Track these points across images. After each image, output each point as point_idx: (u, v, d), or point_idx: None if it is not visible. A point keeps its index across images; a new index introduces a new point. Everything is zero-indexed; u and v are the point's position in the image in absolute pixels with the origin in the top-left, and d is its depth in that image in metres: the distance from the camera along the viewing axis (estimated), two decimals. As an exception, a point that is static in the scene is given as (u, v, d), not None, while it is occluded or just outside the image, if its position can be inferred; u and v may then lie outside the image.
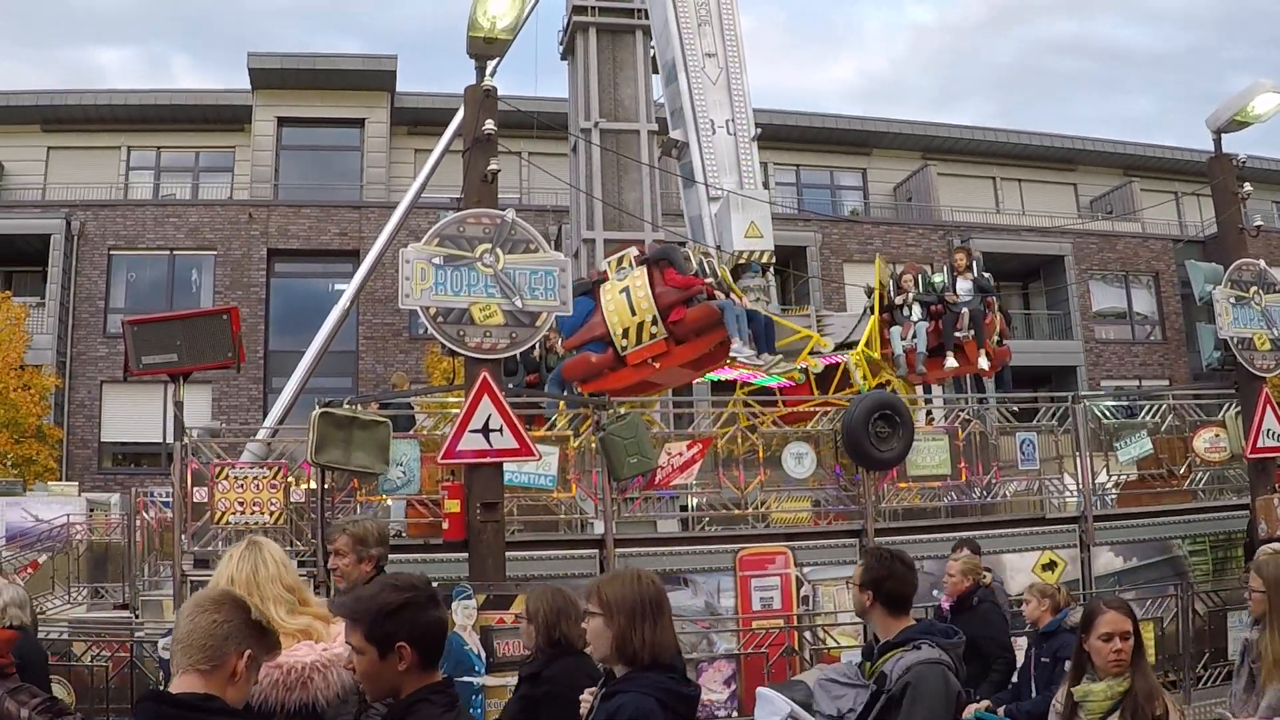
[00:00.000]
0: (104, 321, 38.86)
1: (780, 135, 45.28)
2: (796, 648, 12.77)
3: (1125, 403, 18.61)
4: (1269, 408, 14.44)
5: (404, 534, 13.78)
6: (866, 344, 17.85)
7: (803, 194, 49.22)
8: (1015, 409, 16.60)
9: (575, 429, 14.16)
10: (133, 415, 37.69)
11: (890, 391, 16.45)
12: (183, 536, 12.27)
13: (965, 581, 10.49)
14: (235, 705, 3.86)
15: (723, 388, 18.13)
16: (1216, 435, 15.94)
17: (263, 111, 43.60)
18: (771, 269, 18.92)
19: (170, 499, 16.21)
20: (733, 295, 16.66)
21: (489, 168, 11.39)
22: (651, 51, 22.65)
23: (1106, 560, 14.95)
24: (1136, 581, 14.71)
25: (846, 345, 18.36)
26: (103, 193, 42.07)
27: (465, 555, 11.17)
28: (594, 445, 13.42)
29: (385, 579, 4.31)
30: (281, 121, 44.18)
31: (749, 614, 13.07)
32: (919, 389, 18.74)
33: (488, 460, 11.03)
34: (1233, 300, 14.56)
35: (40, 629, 9.51)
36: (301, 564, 12.67)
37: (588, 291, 16.67)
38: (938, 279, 18.13)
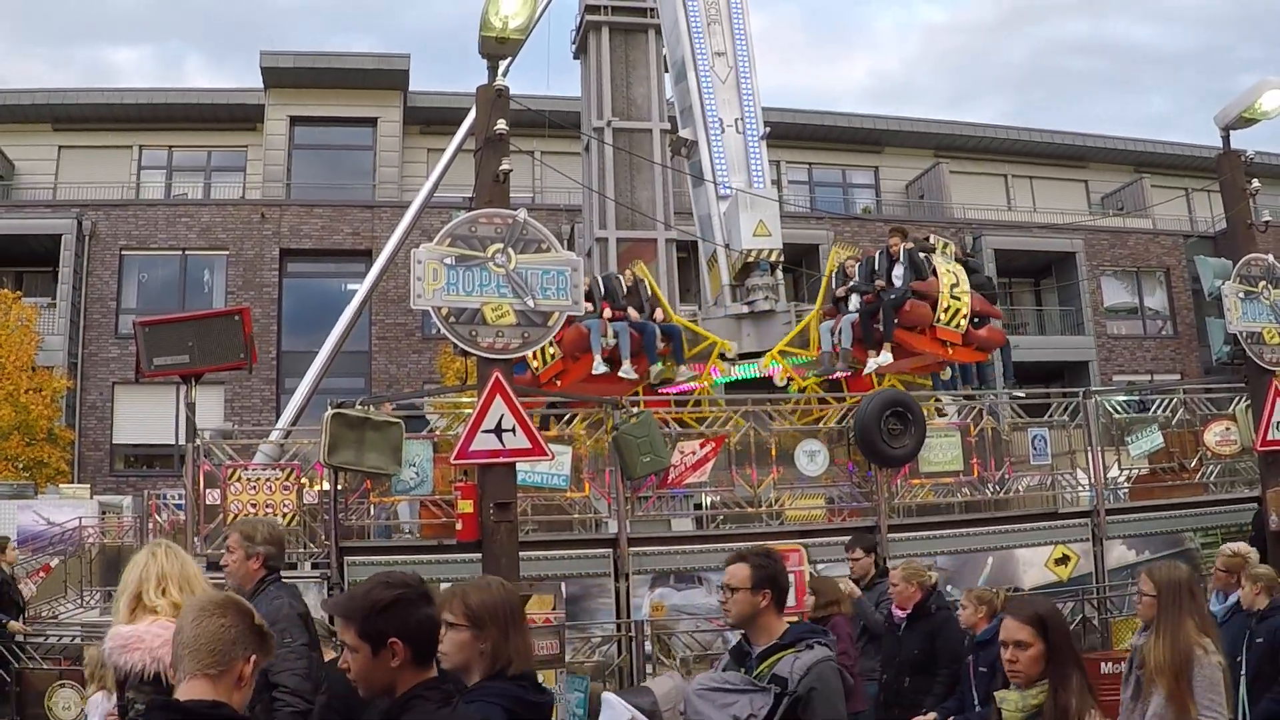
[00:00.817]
0: (115, 322, 38.94)
1: (793, 134, 45.36)
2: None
3: (1136, 397, 18.61)
4: (1279, 401, 14.44)
5: (417, 534, 13.83)
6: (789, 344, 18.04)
7: (815, 192, 49.33)
8: (1025, 402, 16.72)
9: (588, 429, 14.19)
10: (145, 417, 37.73)
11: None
12: (195, 539, 12.29)
13: (911, 588, 10.20)
14: (239, 710, 3.88)
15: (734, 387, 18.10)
16: (1227, 428, 15.97)
17: (275, 110, 43.68)
18: (780, 267, 18.96)
19: (183, 501, 16.25)
20: (660, 311, 17.70)
21: (501, 167, 11.40)
22: (663, 50, 22.66)
23: (1119, 554, 14.96)
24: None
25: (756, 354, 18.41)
26: (114, 192, 42.14)
27: (479, 556, 11.18)
28: (607, 444, 13.46)
29: (378, 576, 4.30)
30: (294, 121, 44.25)
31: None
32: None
33: (501, 460, 11.04)
34: (1242, 295, 14.55)
35: (53, 633, 9.56)
36: (315, 565, 12.74)
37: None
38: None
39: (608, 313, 17.00)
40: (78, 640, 14.53)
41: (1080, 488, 15.57)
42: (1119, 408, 16.99)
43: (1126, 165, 52.04)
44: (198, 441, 12.59)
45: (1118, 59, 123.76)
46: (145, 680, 5.52)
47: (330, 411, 11.96)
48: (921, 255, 17.38)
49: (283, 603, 6.74)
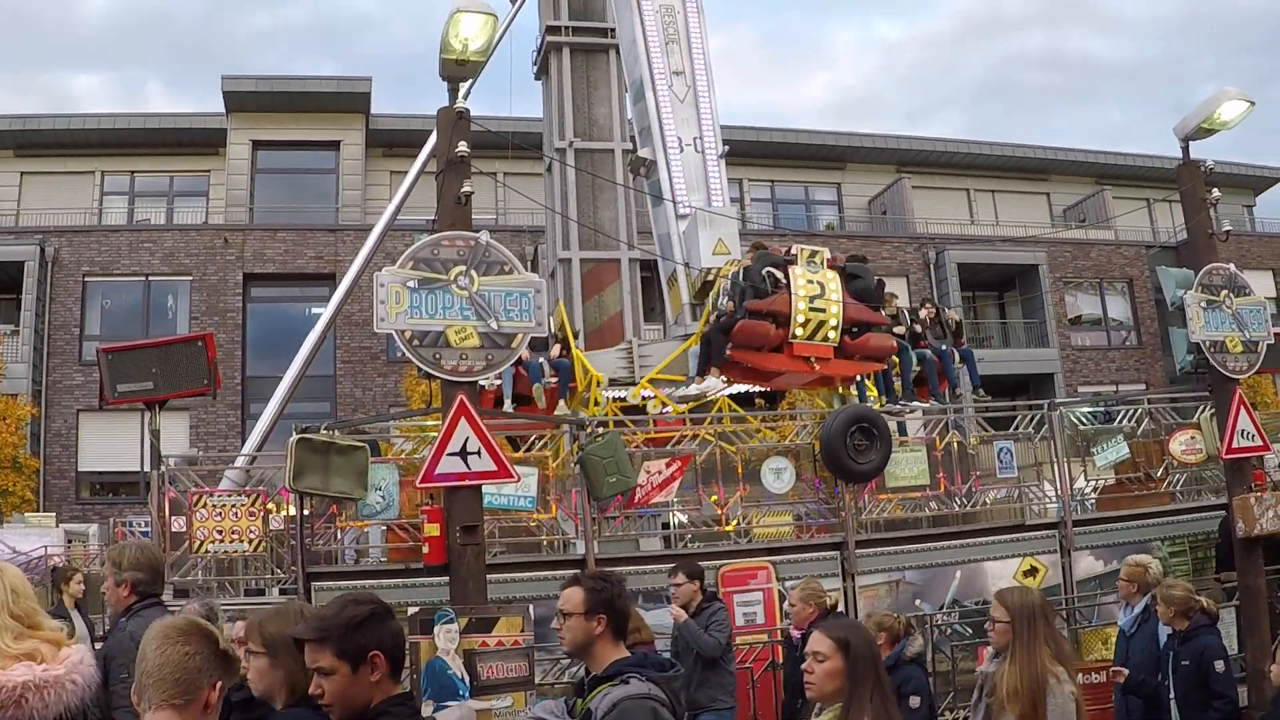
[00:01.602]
0: (79, 349, 38.65)
1: (755, 152, 45.51)
2: (780, 662, 12.78)
3: (1102, 408, 18.69)
4: (1242, 409, 14.50)
5: (384, 559, 13.79)
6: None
7: (778, 210, 49.46)
8: (991, 415, 16.73)
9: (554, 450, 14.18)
10: (110, 444, 37.44)
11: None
12: (162, 566, 12.21)
13: (809, 609, 10.14)
14: None
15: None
16: (1192, 437, 16.05)
17: (237, 135, 43.54)
18: None
19: (149, 528, 16.16)
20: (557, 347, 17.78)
21: (462, 190, 11.37)
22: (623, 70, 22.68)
23: (1087, 564, 15.03)
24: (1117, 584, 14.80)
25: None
26: (77, 218, 41.94)
27: (446, 579, 11.14)
28: (574, 465, 13.44)
29: (343, 596, 4.30)
30: (256, 145, 44.11)
31: (733, 630, 13.08)
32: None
33: (466, 483, 11.01)
34: (1204, 304, 14.59)
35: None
36: (283, 591, 12.67)
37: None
38: None
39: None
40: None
41: (1047, 499, 15.62)
42: (1084, 419, 17.06)
43: (1088, 177, 52.35)
44: (162, 468, 12.54)
45: (1074, 72, 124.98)
46: None
47: (295, 436, 11.92)
48: (767, 271, 16.95)
49: (125, 635, 6.40)
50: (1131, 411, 16.89)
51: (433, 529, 11.32)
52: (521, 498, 12.97)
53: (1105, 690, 10.81)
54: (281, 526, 12.99)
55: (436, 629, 10.10)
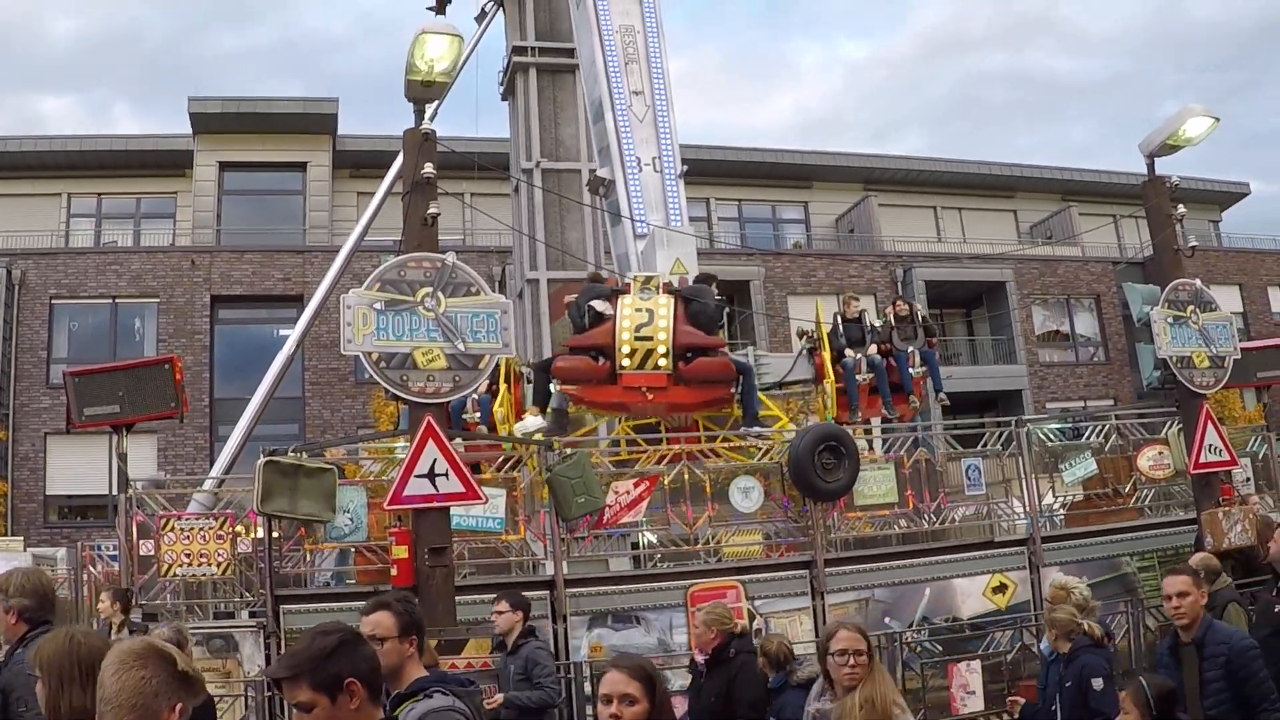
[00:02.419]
0: (46, 372, 38.43)
1: (722, 171, 45.64)
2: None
3: (1070, 424, 18.73)
4: (1210, 424, 14.57)
5: (354, 581, 13.72)
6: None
7: (745, 228, 49.59)
8: (959, 432, 16.74)
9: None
10: (78, 467, 37.19)
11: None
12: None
13: (711, 633, 10.01)
14: None
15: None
16: (1160, 453, 16.07)
17: (204, 156, 43.46)
18: None
19: (117, 551, 16.08)
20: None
21: (429, 211, 11.39)
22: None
23: (1057, 581, 15.03)
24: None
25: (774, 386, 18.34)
26: (43, 241, 41.73)
27: (415, 601, 11.12)
28: (543, 486, 13.40)
29: (315, 628, 4.29)
30: (223, 166, 44.03)
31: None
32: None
33: (434, 505, 11.00)
34: (1170, 320, 14.69)
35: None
36: (253, 614, 12.62)
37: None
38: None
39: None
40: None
41: (1016, 516, 15.62)
42: (1052, 435, 17.10)
43: (1054, 194, 52.62)
44: (130, 492, 12.48)
45: (1038, 90, 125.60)
46: None
47: (262, 459, 11.87)
48: (589, 304, 16.68)
49: (22, 666, 6.10)
50: (1099, 427, 16.92)
51: (401, 551, 11.30)
52: (490, 519, 12.93)
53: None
54: (250, 549, 12.92)
55: (405, 652, 10.07)
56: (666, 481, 14.12)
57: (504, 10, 25.28)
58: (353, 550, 13.25)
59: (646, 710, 4.85)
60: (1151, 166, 15.50)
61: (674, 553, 14.45)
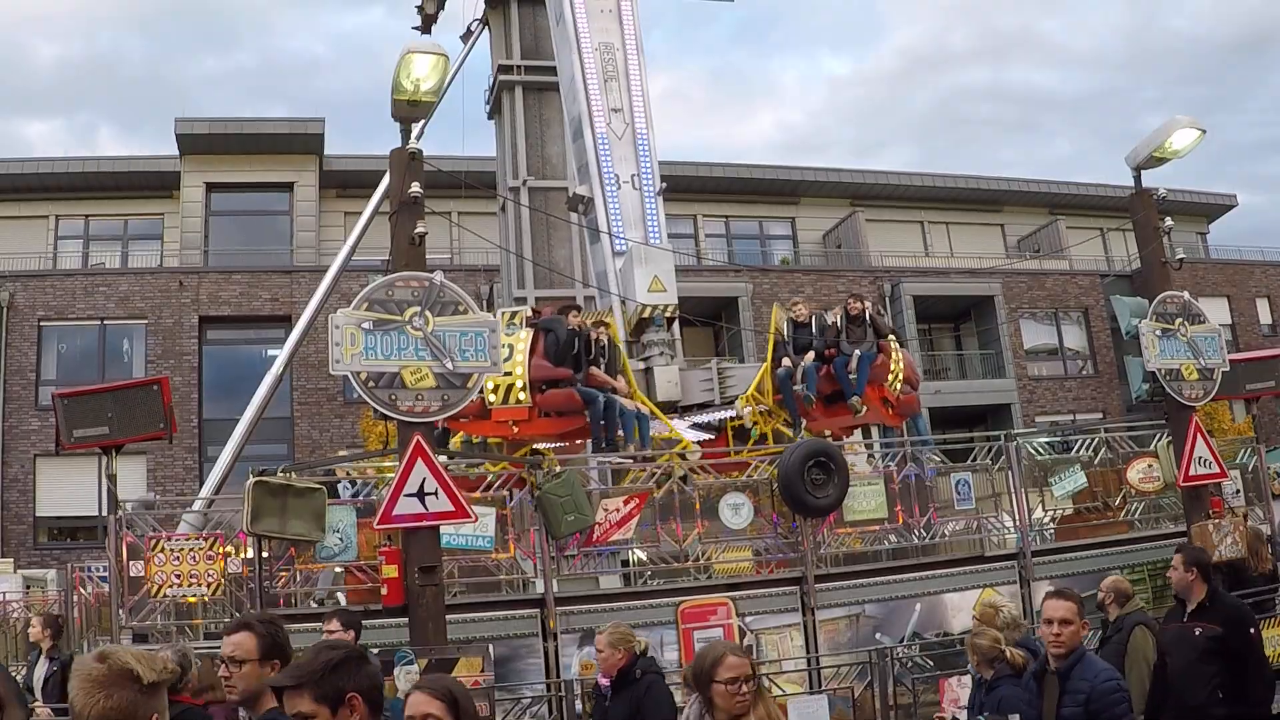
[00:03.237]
0: (35, 394, 38.44)
1: (709, 187, 45.75)
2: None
3: (1059, 438, 18.71)
4: (1199, 436, 14.58)
5: (345, 601, 13.68)
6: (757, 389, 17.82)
7: (733, 245, 49.64)
8: (948, 447, 16.72)
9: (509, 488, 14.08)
10: (68, 489, 37.14)
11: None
12: (120, 611, 12.13)
13: (618, 654, 9.77)
14: None
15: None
16: (1149, 466, 16.06)
17: (191, 177, 43.49)
18: (675, 323, 18.85)
19: (107, 573, 16.04)
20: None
21: (416, 230, 11.37)
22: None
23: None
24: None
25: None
26: (31, 263, 41.74)
27: (405, 620, 11.10)
28: (532, 504, 13.38)
29: (318, 644, 4.31)
30: (210, 187, 44.05)
31: (693, 666, 13.00)
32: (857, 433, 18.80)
33: (424, 524, 10.97)
34: (1159, 333, 14.69)
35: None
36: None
37: None
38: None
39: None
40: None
41: (1006, 530, 15.61)
42: (1041, 449, 17.09)
43: (1041, 208, 52.77)
44: (120, 513, 12.44)
45: (1020, 104, 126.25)
46: None
47: (252, 479, 11.84)
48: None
49: None
50: (1089, 441, 16.92)
51: (391, 570, 11.27)
52: (480, 537, 12.90)
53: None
54: (240, 570, 12.90)
55: (396, 670, 10.07)
56: (657, 498, 14.11)
57: (489, 29, 25.35)
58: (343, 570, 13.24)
59: None
60: (1138, 179, 15.51)
61: (664, 570, 14.43)
